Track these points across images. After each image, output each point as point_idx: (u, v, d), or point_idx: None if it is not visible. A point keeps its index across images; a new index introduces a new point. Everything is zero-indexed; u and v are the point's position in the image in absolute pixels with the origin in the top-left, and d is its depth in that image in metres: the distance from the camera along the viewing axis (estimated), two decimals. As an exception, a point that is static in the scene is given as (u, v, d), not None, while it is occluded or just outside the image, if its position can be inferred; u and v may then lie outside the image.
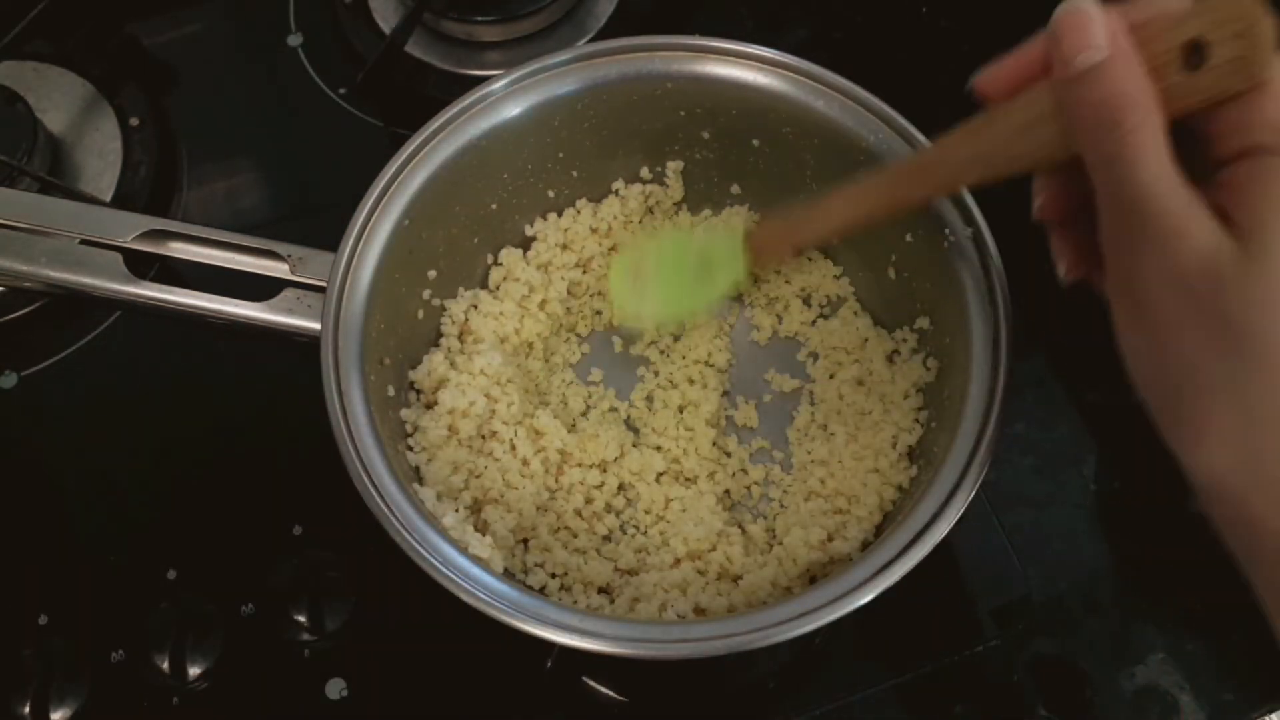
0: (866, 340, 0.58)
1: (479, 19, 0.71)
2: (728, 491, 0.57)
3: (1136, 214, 0.32)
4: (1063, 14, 0.34)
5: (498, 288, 0.59)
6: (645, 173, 0.60)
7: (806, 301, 0.61)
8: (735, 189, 0.61)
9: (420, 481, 0.51)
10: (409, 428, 0.53)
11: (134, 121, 0.70)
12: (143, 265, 0.54)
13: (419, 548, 0.44)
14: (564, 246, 0.60)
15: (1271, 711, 0.54)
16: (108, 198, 0.67)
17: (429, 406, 0.55)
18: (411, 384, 0.55)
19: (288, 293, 0.52)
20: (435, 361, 0.55)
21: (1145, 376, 0.34)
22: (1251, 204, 0.31)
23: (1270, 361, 0.30)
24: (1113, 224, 0.33)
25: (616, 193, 0.60)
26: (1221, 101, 0.31)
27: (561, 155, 0.58)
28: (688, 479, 0.56)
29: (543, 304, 0.59)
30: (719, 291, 0.56)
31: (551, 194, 0.60)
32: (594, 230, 0.60)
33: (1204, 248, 0.31)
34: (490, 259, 0.60)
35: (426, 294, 0.56)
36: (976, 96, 0.39)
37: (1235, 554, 0.34)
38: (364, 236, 0.51)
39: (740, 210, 0.61)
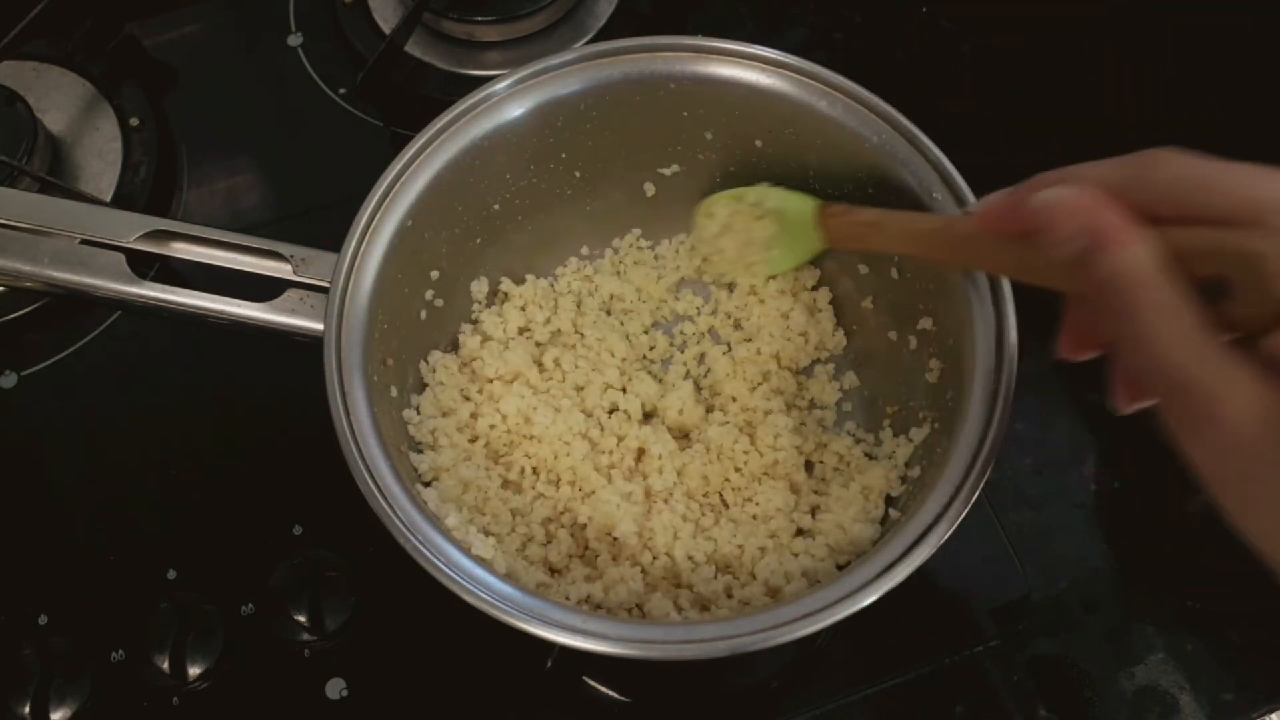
0: None
1: (479, 19, 0.71)
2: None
3: (1168, 386, 0.29)
4: (1039, 208, 0.33)
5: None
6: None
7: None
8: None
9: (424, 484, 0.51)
10: (422, 433, 0.54)
11: (134, 121, 0.70)
12: (143, 265, 0.54)
13: (423, 549, 0.44)
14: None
15: (1271, 711, 0.54)
16: (108, 198, 0.67)
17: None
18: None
19: (290, 293, 0.52)
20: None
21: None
22: None
23: None
24: (1158, 398, 0.31)
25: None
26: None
27: (564, 156, 0.58)
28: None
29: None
30: (801, 259, 0.57)
31: (553, 195, 0.60)
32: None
33: (1248, 413, 0.28)
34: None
35: (429, 294, 0.56)
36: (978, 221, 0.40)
37: None
38: (367, 237, 0.51)
39: None
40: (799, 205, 0.55)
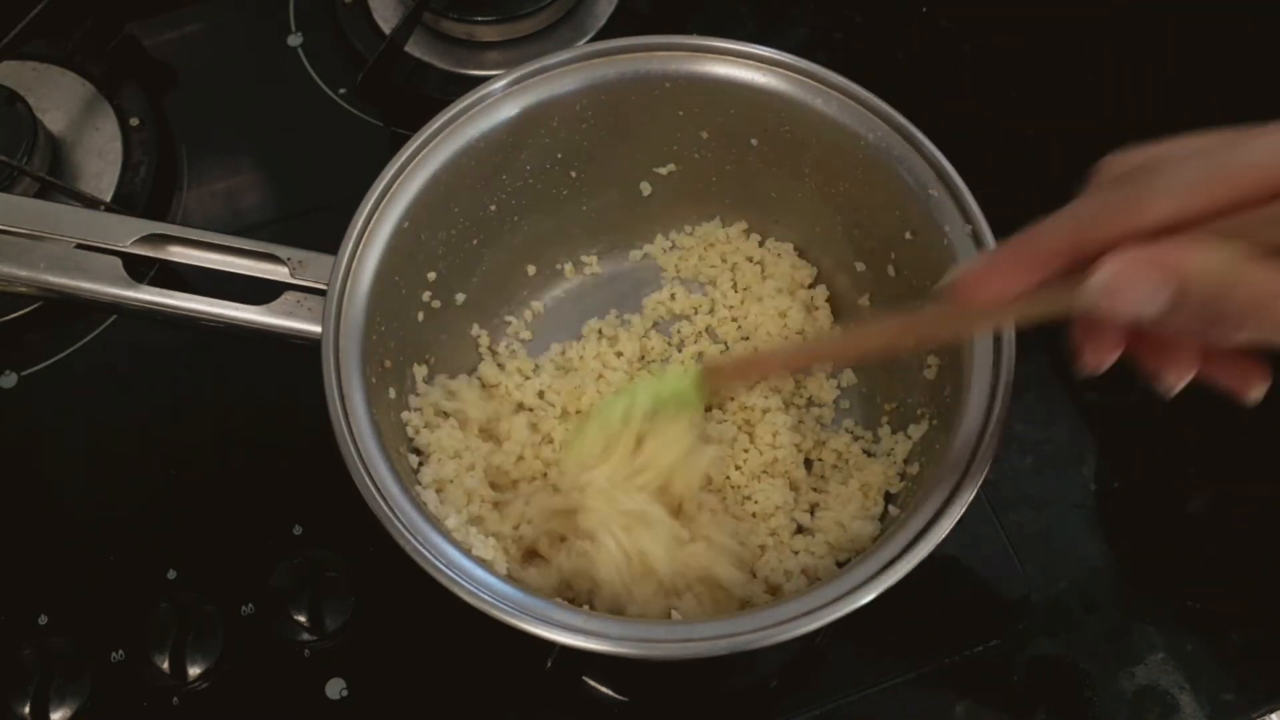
0: None
1: (479, 19, 0.71)
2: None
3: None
4: (1100, 296, 0.32)
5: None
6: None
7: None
8: (733, 189, 0.61)
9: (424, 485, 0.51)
10: (414, 432, 0.54)
11: (134, 121, 0.70)
12: (142, 266, 0.54)
13: (423, 550, 0.44)
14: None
15: (1271, 711, 0.54)
16: (108, 198, 0.67)
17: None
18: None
19: (288, 296, 0.52)
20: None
21: None
22: None
23: None
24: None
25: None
26: None
27: (560, 156, 0.58)
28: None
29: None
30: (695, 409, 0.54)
31: (549, 195, 0.60)
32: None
33: None
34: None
35: (426, 296, 0.56)
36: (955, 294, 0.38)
37: None
38: (364, 239, 0.51)
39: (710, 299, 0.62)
40: (674, 384, 0.52)
